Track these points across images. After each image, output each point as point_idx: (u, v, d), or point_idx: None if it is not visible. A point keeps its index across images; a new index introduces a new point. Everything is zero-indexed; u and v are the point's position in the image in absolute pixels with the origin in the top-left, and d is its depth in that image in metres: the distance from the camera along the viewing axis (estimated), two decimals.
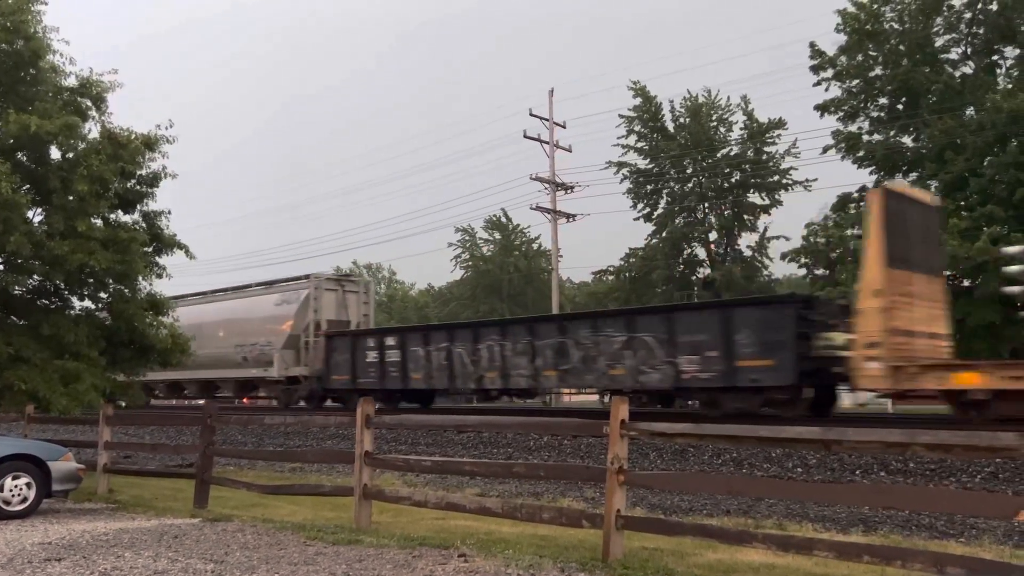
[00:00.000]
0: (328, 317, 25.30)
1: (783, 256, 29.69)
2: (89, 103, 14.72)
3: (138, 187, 15.32)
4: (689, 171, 38.87)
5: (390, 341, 22.25)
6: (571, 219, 37.11)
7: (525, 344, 19.01)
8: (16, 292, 14.66)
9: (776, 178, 37.75)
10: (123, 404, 15.34)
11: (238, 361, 26.36)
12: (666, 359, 16.46)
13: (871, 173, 28.28)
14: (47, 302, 15.21)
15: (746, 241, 39.47)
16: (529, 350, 18.92)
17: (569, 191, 36.66)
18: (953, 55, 27.61)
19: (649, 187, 39.21)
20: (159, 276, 15.83)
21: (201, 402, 28.17)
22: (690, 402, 22.62)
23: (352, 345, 23.17)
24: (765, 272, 38.87)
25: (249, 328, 26.17)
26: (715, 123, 39.06)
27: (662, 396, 20.16)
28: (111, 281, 14.88)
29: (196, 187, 77.84)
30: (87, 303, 15.62)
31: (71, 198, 13.66)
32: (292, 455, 13.76)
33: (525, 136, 36.14)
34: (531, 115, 36.09)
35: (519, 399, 24.47)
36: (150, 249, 15.47)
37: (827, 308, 15.93)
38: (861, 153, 27.65)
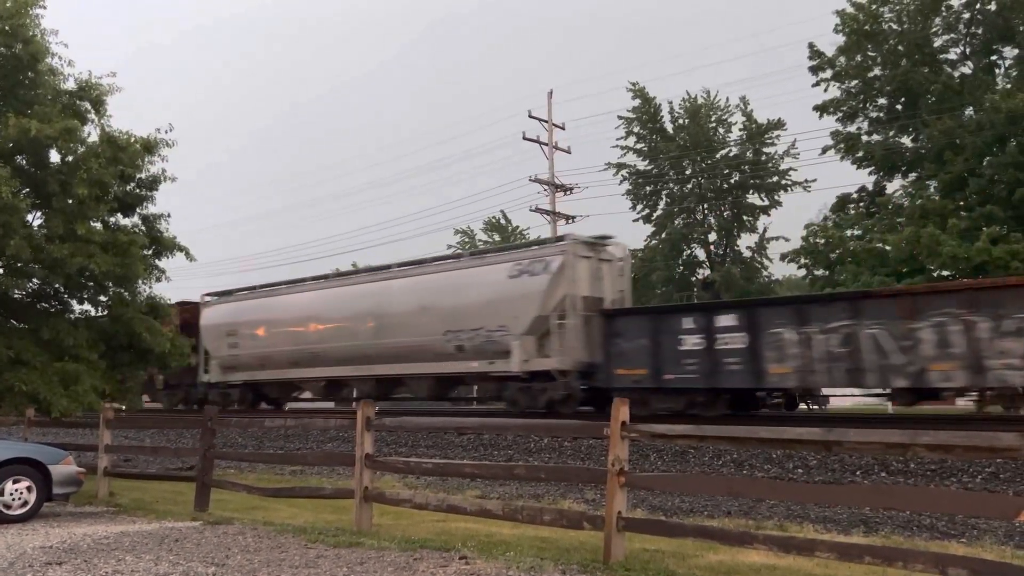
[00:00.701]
0: (582, 293, 18.68)
1: (783, 257, 29.67)
2: (88, 106, 14.71)
3: (137, 190, 15.33)
4: (688, 172, 38.88)
5: (726, 321, 16.30)
6: (570, 221, 37.11)
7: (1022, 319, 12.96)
8: (16, 296, 14.66)
9: (775, 179, 37.74)
10: (119, 407, 15.26)
11: (449, 352, 20.10)
12: None
13: (870, 174, 28.40)
14: (47, 306, 15.21)
15: (745, 242, 39.51)
16: None
17: (568, 192, 36.65)
18: (952, 55, 27.70)
19: (648, 188, 39.22)
20: (158, 279, 15.85)
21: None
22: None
23: (653, 327, 17.26)
24: (765, 273, 38.87)
25: (468, 309, 19.68)
26: (714, 124, 39.05)
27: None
28: (110, 284, 14.88)
29: (195, 188, 77.85)
30: (87, 306, 15.65)
31: (71, 201, 13.65)
32: (293, 458, 13.74)
33: (524, 138, 36.13)
34: (530, 117, 36.08)
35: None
36: (150, 252, 15.48)
37: None
38: (860, 154, 27.70)
